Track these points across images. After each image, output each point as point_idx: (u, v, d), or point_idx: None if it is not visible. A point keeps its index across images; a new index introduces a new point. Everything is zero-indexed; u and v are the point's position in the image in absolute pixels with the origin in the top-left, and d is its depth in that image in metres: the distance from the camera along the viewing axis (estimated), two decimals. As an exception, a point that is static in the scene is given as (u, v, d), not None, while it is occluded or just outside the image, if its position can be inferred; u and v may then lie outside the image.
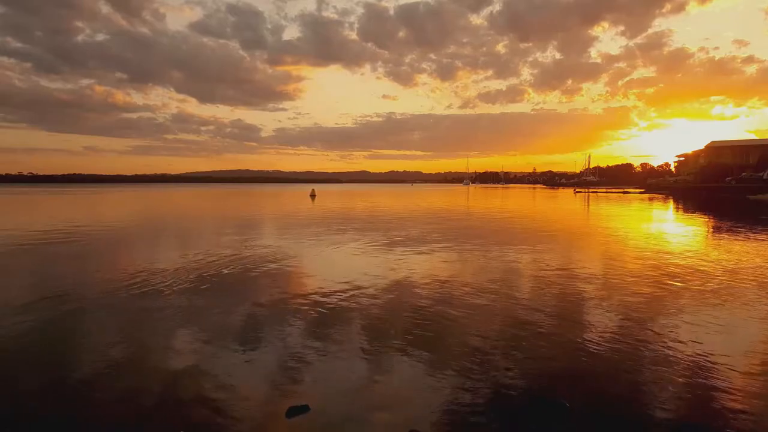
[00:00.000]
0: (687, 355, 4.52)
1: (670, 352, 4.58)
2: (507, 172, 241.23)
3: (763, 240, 12.93)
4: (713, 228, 16.78)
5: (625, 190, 69.56)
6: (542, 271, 8.63)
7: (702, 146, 65.95)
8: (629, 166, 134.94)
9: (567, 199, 45.67)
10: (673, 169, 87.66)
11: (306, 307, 6.23)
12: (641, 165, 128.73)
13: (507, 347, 4.77)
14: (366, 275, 8.29)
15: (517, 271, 8.81)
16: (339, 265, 9.54)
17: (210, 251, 10.99)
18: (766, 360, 4.42)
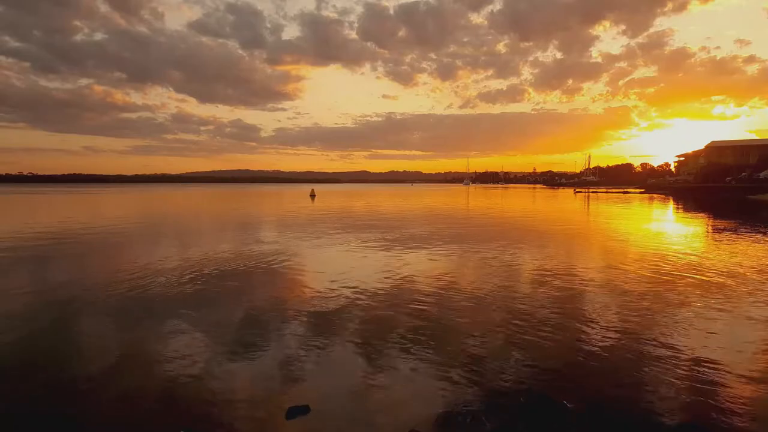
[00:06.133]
0: (687, 355, 4.52)
1: (671, 352, 4.58)
2: (507, 172, 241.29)
3: (763, 240, 12.92)
4: (713, 228, 16.78)
5: (626, 190, 69.54)
6: (542, 271, 8.63)
7: (702, 146, 65.97)
8: (629, 166, 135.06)
9: (567, 199, 45.66)
10: (673, 169, 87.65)
11: (306, 307, 6.22)
12: (641, 165, 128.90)
13: (507, 347, 4.77)
14: (366, 275, 8.29)
15: (517, 270, 8.81)
16: (339, 264, 9.53)
17: (211, 251, 10.99)
18: (766, 361, 4.42)
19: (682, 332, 5.17)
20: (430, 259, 10.03)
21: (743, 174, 50.21)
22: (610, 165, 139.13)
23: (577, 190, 79.47)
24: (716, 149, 62.24)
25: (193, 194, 60.11)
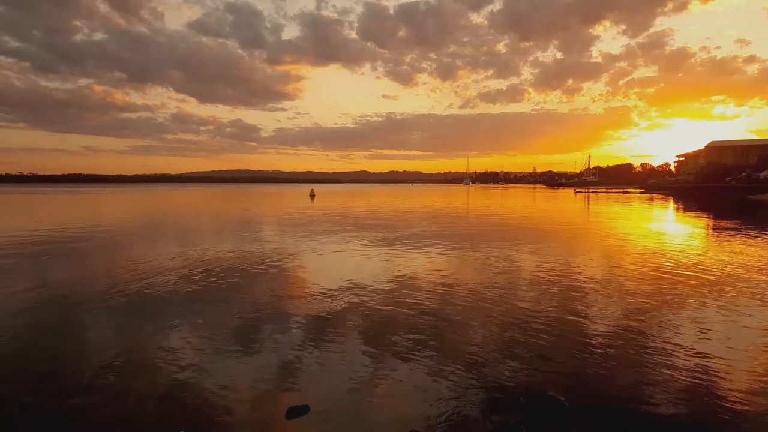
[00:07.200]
0: (687, 354, 4.52)
1: (671, 352, 4.58)
2: (507, 172, 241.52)
3: (763, 240, 12.92)
4: (713, 228, 16.78)
5: (626, 190, 69.53)
6: (542, 271, 8.63)
7: (702, 146, 65.96)
8: (629, 166, 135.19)
9: (567, 199, 45.65)
10: (673, 169, 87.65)
11: (306, 308, 6.22)
12: (641, 165, 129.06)
13: (507, 347, 4.76)
14: (366, 275, 8.29)
15: (517, 270, 8.81)
16: (338, 265, 9.54)
17: (211, 251, 10.99)
18: (766, 360, 4.43)
19: (682, 332, 5.17)
20: (431, 259, 10.03)
21: (743, 174, 50.20)
22: (610, 165, 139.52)
23: (577, 190, 79.46)
24: (716, 149, 62.23)
25: (193, 194, 60.11)
